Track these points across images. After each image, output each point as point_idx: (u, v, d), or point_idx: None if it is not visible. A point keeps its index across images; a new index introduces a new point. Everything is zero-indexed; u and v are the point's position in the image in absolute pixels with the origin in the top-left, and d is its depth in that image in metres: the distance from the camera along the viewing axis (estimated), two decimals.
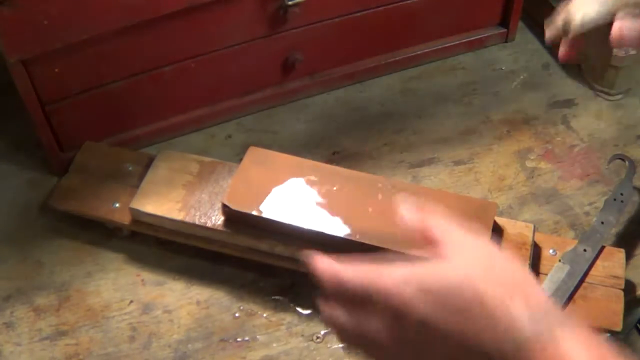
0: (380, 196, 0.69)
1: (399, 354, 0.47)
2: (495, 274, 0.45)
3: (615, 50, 0.85)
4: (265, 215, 0.66)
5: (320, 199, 0.68)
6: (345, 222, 0.66)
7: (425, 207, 0.50)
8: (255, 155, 0.71)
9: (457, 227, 0.49)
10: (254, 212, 0.66)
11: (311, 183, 0.69)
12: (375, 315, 0.46)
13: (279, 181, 0.69)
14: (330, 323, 0.49)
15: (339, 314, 0.48)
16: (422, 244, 0.49)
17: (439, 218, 0.49)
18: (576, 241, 0.71)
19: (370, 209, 0.68)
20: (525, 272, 0.46)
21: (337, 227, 0.66)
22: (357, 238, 0.65)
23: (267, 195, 0.67)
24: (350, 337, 0.48)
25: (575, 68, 0.90)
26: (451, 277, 0.45)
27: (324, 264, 0.49)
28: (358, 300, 0.47)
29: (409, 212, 0.50)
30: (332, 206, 0.67)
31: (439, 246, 0.48)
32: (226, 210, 0.68)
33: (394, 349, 0.47)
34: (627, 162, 0.77)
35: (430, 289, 0.45)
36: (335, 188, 0.69)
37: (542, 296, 0.45)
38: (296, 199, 0.68)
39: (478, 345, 0.44)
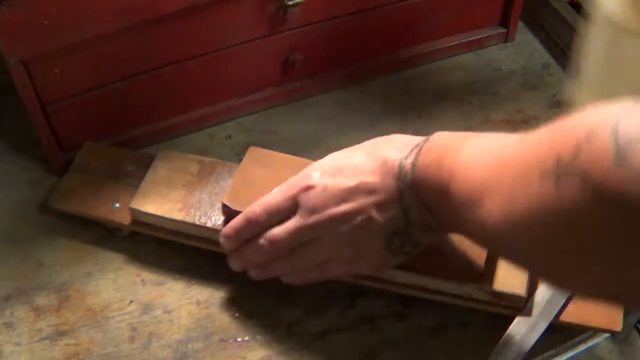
0: None
1: (330, 236, 0.59)
2: (363, 146, 0.61)
3: None
4: None
5: None
6: None
7: None
8: (255, 155, 0.71)
9: None
10: None
11: None
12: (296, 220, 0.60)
13: (280, 181, 0.68)
14: (252, 259, 0.62)
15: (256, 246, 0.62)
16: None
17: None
18: None
19: None
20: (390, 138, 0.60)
21: None
22: None
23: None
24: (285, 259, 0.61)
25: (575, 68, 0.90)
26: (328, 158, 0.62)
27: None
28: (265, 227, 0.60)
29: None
30: None
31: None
32: (226, 210, 0.68)
33: (325, 236, 0.59)
34: None
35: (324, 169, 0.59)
36: None
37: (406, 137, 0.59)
38: None
39: (369, 197, 0.56)
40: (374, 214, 0.56)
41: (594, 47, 0.73)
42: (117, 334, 0.68)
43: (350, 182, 0.57)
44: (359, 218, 0.56)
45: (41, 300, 0.71)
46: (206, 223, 0.69)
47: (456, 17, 0.91)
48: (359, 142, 0.84)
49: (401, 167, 0.55)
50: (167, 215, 0.70)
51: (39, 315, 0.70)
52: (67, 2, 0.68)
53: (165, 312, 0.70)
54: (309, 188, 0.59)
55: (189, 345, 0.68)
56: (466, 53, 0.93)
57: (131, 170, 0.76)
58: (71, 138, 0.79)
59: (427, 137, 0.56)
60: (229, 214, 0.68)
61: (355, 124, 0.86)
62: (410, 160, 0.54)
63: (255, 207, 0.60)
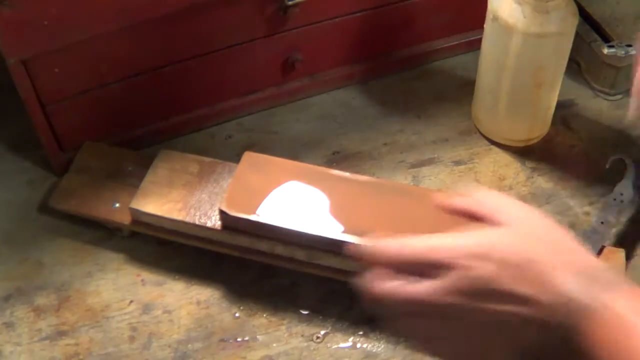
0: (378, 198, 0.69)
1: (454, 325, 0.49)
2: (546, 242, 0.48)
3: (614, 50, 0.86)
4: (263, 220, 0.66)
5: (317, 202, 0.68)
6: (343, 224, 0.66)
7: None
8: (251, 160, 0.71)
9: (506, 197, 0.52)
10: (252, 218, 0.66)
11: (308, 186, 0.69)
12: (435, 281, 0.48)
13: (276, 185, 0.69)
14: (385, 295, 0.50)
15: (397, 283, 0.49)
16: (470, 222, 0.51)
17: (488, 191, 0.52)
18: None
19: (368, 211, 0.68)
20: (572, 238, 0.49)
21: (335, 230, 0.66)
22: (355, 240, 0.65)
23: (264, 200, 0.67)
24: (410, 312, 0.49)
25: (575, 68, 0.90)
26: (510, 244, 0.48)
27: (384, 242, 0.50)
28: (416, 271, 0.49)
29: (453, 195, 0.52)
30: (330, 209, 0.67)
31: (494, 215, 0.50)
32: (224, 216, 0.68)
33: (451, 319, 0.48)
34: (627, 163, 0.77)
35: (490, 256, 0.47)
36: (332, 191, 0.69)
37: (591, 261, 0.47)
38: (293, 203, 0.68)
39: (531, 310, 0.46)
40: (527, 329, 0.48)
41: (489, 46, 0.76)
42: (117, 334, 0.68)
43: (525, 290, 0.47)
44: (509, 326, 0.48)
45: (41, 300, 0.71)
46: (206, 223, 0.69)
47: (456, 17, 0.91)
48: (359, 141, 0.84)
49: (578, 310, 0.46)
50: (167, 215, 0.70)
51: (39, 315, 0.70)
52: (67, 2, 0.68)
53: (165, 312, 0.70)
54: (475, 269, 0.49)
55: (189, 345, 0.68)
56: (466, 53, 0.93)
57: (131, 170, 0.76)
58: (71, 138, 0.79)
59: (612, 281, 0.46)
60: (226, 219, 0.68)
61: (355, 124, 0.86)
62: (590, 309, 0.45)
63: (419, 245, 0.51)
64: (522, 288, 0.46)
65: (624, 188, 0.75)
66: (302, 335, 0.68)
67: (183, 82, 0.81)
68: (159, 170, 0.73)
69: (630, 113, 0.61)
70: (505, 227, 0.49)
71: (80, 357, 0.67)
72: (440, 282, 0.48)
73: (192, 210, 0.70)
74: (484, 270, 0.47)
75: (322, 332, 0.69)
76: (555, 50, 0.75)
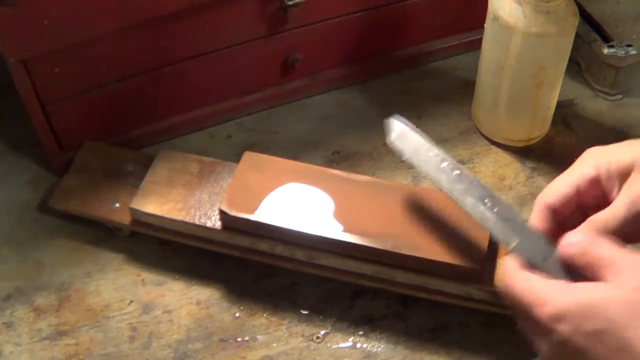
0: (378, 198, 0.69)
1: None
2: None
3: (614, 50, 0.86)
4: (263, 220, 0.66)
5: (317, 202, 0.68)
6: (343, 224, 0.66)
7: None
8: (250, 160, 0.71)
9: (624, 251, 0.45)
10: (252, 218, 0.66)
11: (308, 186, 0.69)
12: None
13: (276, 185, 0.69)
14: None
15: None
16: (580, 268, 0.46)
17: (604, 241, 0.45)
18: None
19: (368, 211, 0.68)
20: None
21: (335, 230, 0.66)
22: (356, 240, 0.65)
23: (264, 200, 0.68)
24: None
25: (575, 68, 0.90)
26: (607, 311, 0.42)
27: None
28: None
29: (575, 237, 0.47)
30: (330, 209, 0.67)
31: (603, 270, 0.44)
32: (223, 216, 0.68)
33: None
34: None
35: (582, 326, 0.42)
36: (332, 191, 0.69)
37: None
38: (293, 203, 0.68)
39: None
40: None
41: (489, 46, 0.76)
42: (117, 334, 0.68)
43: None
44: None
45: (41, 300, 0.71)
46: (206, 223, 0.69)
47: (456, 17, 0.91)
48: (359, 141, 0.84)
49: None
50: (167, 215, 0.70)
51: (39, 315, 0.70)
52: (68, 2, 0.68)
53: (165, 312, 0.70)
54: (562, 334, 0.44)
55: (189, 345, 0.68)
56: (466, 53, 0.93)
57: (131, 170, 0.76)
58: (71, 138, 0.79)
59: None
60: (226, 219, 0.68)
61: (355, 124, 0.86)
62: None
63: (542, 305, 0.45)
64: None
65: None
66: (302, 335, 0.69)
67: (183, 82, 0.81)
68: (159, 170, 0.73)
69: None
70: (607, 291, 0.43)
71: (80, 357, 0.67)
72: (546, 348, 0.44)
73: (192, 210, 0.70)
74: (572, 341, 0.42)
75: (322, 332, 0.69)
76: (555, 50, 0.75)
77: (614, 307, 0.42)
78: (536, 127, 0.83)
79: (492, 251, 0.66)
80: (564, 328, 0.42)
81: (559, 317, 0.43)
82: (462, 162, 0.82)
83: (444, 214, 0.65)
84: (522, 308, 0.45)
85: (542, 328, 0.44)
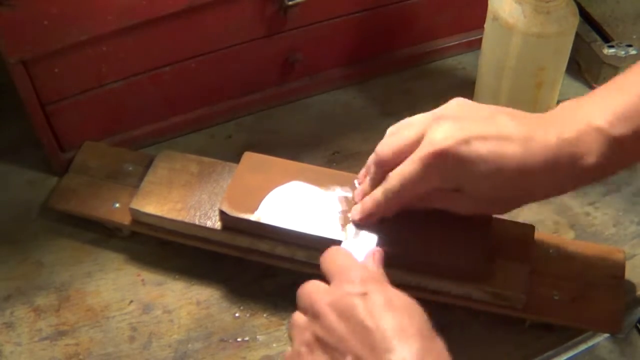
0: None
1: None
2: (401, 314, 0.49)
3: (614, 50, 0.86)
4: (263, 220, 0.66)
5: (317, 203, 0.68)
6: (343, 224, 0.66)
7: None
8: (250, 160, 0.71)
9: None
10: (252, 218, 0.66)
11: (308, 187, 0.69)
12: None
13: (276, 186, 0.69)
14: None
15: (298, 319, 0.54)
16: None
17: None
18: (575, 241, 0.72)
19: None
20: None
21: (335, 230, 0.66)
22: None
23: (264, 200, 0.67)
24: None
25: (575, 68, 0.90)
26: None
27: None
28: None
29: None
30: (330, 209, 0.67)
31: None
32: (223, 216, 0.68)
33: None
34: None
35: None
36: (332, 191, 0.69)
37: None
38: (293, 203, 0.68)
39: None
40: None
41: (489, 46, 0.76)
42: (117, 334, 0.68)
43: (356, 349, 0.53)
44: None
45: (41, 300, 0.71)
46: (206, 223, 0.69)
47: (456, 17, 0.91)
48: (359, 141, 0.84)
49: None
50: (167, 216, 0.70)
51: (39, 315, 0.70)
52: (68, 2, 0.68)
53: (165, 312, 0.70)
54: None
55: (189, 345, 0.68)
56: (466, 53, 0.93)
57: (131, 170, 0.76)
58: (71, 138, 0.79)
59: None
60: (226, 219, 0.68)
61: (355, 124, 0.86)
62: None
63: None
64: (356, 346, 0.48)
65: None
66: None
67: (183, 82, 0.81)
68: (159, 170, 0.73)
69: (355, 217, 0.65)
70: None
71: (81, 357, 0.67)
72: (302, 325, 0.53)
73: (192, 211, 0.70)
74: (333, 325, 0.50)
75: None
76: (555, 50, 0.75)
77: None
78: None
79: (492, 251, 0.66)
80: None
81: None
82: None
83: (443, 214, 0.65)
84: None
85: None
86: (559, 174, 0.56)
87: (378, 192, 0.62)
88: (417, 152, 0.58)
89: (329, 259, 0.56)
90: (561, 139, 0.55)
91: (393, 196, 0.60)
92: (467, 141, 0.56)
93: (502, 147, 0.56)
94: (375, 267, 0.56)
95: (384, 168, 0.61)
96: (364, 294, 0.50)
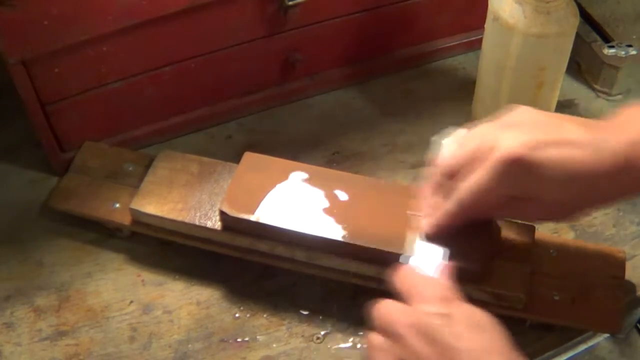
0: (378, 198, 0.69)
1: None
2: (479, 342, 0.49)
3: (614, 50, 0.86)
4: (263, 220, 0.66)
5: (317, 203, 0.68)
6: (344, 225, 0.66)
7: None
8: (250, 160, 0.71)
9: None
10: (252, 218, 0.66)
11: (308, 187, 0.69)
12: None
13: (276, 186, 0.69)
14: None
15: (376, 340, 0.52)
16: None
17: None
18: (576, 241, 0.72)
19: (368, 211, 0.68)
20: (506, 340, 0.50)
21: (335, 231, 0.66)
22: (355, 241, 0.65)
23: (264, 201, 0.67)
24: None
25: (575, 68, 0.90)
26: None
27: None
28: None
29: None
30: (330, 209, 0.67)
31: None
32: (224, 217, 0.68)
33: None
34: None
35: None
36: (332, 191, 0.69)
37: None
38: (294, 203, 0.68)
39: None
40: None
41: (489, 46, 0.76)
42: (117, 334, 0.68)
43: None
44: None
45: (41, 300, 0.71)
46: (206, 223, 0.69)
47: (456, 17, 0.91)
48: (359, 141, 0.84)
49: None
50: (167, 216, 0.70)
51: (39, 315, 0.70)
52: (68, 2, 0.68)
53: (165, 312, 0.70)
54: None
55: (189, 346, 0.68)
56: (466, 53, 0.93)
57: (131, 170, 0.76)
58: (71, 138, 0.79)
59: None
60: (227, 220, 0.68)
61: (355, 124, 0.86)
62: None
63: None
64: None
65: None
66: (302, 336, 0.69)
67: (183, 82, 0.81)
68: (159, 170, 0.73)
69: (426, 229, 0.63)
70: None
71: (81, 357, 0.67)
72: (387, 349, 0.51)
73: (192, 211, 0.70)
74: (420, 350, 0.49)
75: (322, 333, 0.69)
76: (555, 50, 0.75)
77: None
78: None
79: (492, 251, 0.66)
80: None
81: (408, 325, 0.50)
82: None
83: None
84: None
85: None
86: (628, 178, 0.56)
87: (450, 203, 0.61)
88: (488, 160, 0.57)
89: (401, 277, 0.55)
90: (630, 143, 0.55)
91: (465, 206, 0.59)
92: (538, 147, 0.56)
93: (572, 152, 0.56)
94: (449, 284, 0.55)
95: (453, 179, 0.61)
96: (446, 314, 0.49)
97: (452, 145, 0.62)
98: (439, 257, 0.61)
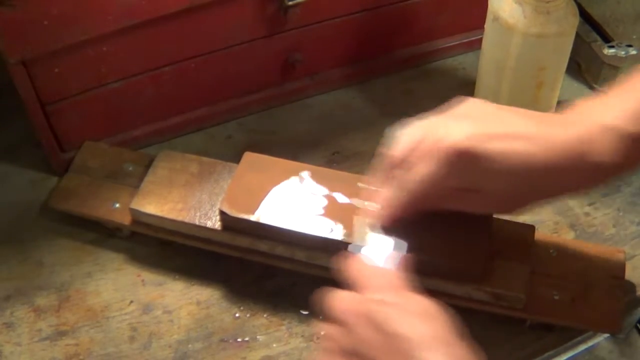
0: None
1: None
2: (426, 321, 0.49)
3: (614, 50, 0.86)
4: (263, 220, 0.66)
5: (317, 203, 0.68)
6: (344, 225, 0.66)
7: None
8: (251, 160, 0.71)
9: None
10: (252, 218, 0.66)
11: (308, 187, 0.69)
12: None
13: (276, 186, 0.69)
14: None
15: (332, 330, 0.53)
16: None
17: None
18: (576, 241, 0.72)
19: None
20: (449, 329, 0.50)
21: (335, 231, 0.66)
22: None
23: (264, 201, 0.67)
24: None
25: (575, 68, 0.90)
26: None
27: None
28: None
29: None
30: (330, 209, 0.67)
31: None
32: (224, 217, 0.68)
33: None
34: None
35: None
36: (332, 191, 0.69)
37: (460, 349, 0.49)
38: (294, 203, 0.68)
39: None
40: None
41: (489, 46, 0.76)
42: (117, 334, 0.68)
43: None
44: None
45: (41, 300, 0.71)
46: (206, 223, 0.69)
47: (456, 17, 0.91)
48: (359, 141, 0.84)
49: None
50: (167, 216, 0.70)
51: (39, 315, 0.70)
52: (68, 2, 0.68)
53: (165, 312, 0.70)
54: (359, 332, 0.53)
55: (189, 346, 0.68)
56: (466, 53, 0.93)
57: (131, 170, 0.76)
58: (71, 138, 0.79)
59: None
60: (227, 220, 0.68)
61: (355, 124, 0.86)
62: None
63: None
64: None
65: None
66: (302, 336, 0.69)
67: (183, 82, 0.81)
68: (159, 170, 0.73)
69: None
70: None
71: (81, 357, 0.67)
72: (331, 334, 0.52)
73: (192, 211, 0.70)
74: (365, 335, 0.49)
75: (323, 333, 0.69)
76: (555, 50, 0.75)
77: None
78: None
79: (492, 251, 0.66)
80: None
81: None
82: None
83: (443, 214, 0.65)
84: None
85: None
86: (577, 172, 0.57)
87: (396, 194, 0.61)
88: (435, 151, 0.58)
89: (351, 267, 0.55)
90: (579, 137, 0.56)
91: (414, 197, 0.60)
92: (485, 139, 0.56)
93: (521, 145, 0.56)
94: (399, 273, 0.55)
95: (400, 170, 0.61)
96: (394, 303, 0.50)
97: (404, 136, 0.62)
98: (390, 247, 0.61)
